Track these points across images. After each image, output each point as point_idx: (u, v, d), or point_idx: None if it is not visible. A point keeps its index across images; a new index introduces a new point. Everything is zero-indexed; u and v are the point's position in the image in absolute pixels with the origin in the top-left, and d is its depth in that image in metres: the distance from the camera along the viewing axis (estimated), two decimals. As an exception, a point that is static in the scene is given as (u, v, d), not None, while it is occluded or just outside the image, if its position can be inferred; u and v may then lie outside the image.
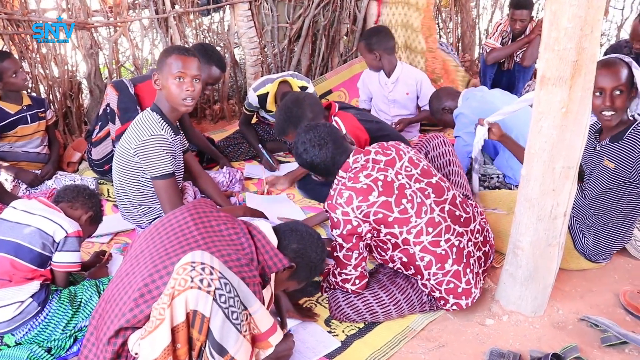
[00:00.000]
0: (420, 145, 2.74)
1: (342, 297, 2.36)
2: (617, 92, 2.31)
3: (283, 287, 2.12)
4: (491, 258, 2.50)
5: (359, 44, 4.23)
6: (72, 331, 2.20)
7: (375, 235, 2.27)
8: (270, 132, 4.13)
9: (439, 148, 2.69)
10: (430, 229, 2.23)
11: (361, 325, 2.36)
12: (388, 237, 2.25)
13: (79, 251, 2.27)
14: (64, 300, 2.20)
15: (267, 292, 1.91)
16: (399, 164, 2.30)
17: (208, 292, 1.57)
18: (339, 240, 2.25)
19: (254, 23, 4.70)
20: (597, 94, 2.31)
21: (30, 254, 2.12)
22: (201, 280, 1.58)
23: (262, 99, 3.80)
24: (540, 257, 2.23)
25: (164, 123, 2.66)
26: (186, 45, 3.90)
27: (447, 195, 2.33)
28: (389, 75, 4.20)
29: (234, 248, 1.82)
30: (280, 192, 3.57)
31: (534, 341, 2.25)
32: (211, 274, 1.60)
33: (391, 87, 4.21)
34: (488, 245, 2.46)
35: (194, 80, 2.60)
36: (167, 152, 2.61)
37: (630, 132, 2.39)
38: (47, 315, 2.16)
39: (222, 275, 1.62)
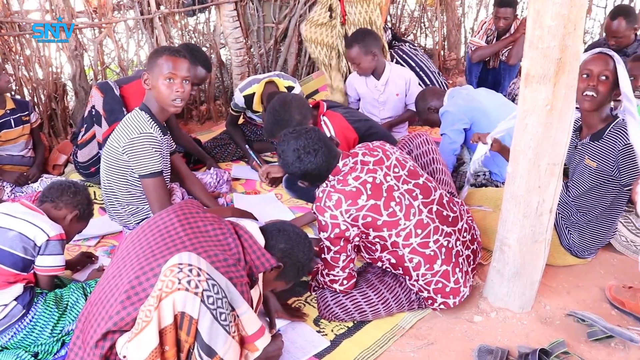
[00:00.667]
0: (402, 143, 2.74)
1: (331, 297, 2.36)
2: (603, 77, 2.36)
3: (271, 287, 2.11)
4: (479, 255, 2.51)
5: (352, 50, 4.02)
6: (59, 335, 2.18)
7: (363, 237, 2.27)
8: (257, 132, 4.12)
9: (422, 146, 2.69)
10: (419, 231, 2.24)
11: (350, 324, 2.36)
12: (377, 239, 2.25)
13: (62, 254, 2.23)
14: (49, 303, 2.18)
15: (255, 292, 1.91)
16: (387, 163, 2.30)
17: (195, 293, 1.57)
18: (327, 243, 2.24)
19: (240, 23, 4.68)
20: (584, 76, 2.37)
21: (11, 258, 2.09)
22: (188, 282, 1.57)
23: (249, 99, 3.79)
24: (527, 253, 2.24)
25: (153, 122, 2.66)
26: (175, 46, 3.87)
27: (435, 195, 2.34)
28: (378, 77, 4.17)
29: (221, 249, 1.82)
30: (272, 189, 3.54)
31: (522, 337, 2.27)
32: (198, 275, 1.59)
33: (382, 88, 4.17)
34: (476, 242, 2.48)
35: (184, 81, 2.61)
36: (156, 151, 2.61)
37: (609, 130, 2.43)
38: (32, 318, 2.13)
39: (210, 276, 1.61)
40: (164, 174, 2.70)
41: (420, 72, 4.62)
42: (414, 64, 4.64)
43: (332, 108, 3.26)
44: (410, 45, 4.91)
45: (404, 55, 4.69)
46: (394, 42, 4.90)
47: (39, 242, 2.15)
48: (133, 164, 2.61)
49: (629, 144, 2.35)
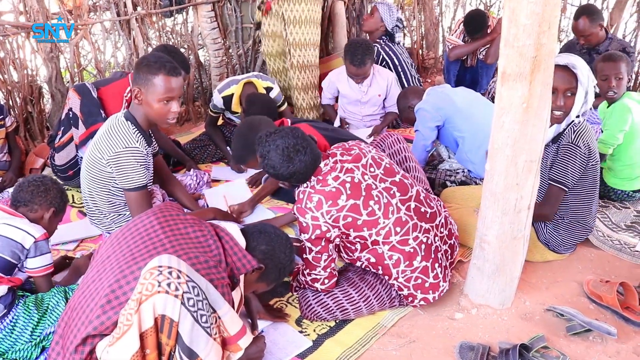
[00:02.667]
0: (375, 144, 2.74)
1: (312, 296, 2.37)
2: (569, 94, 2.41)
3: (253, 289, 2.11)
4: (457, 249, 2.53)
5: (365, 66, 4.00)
6: (39, 339, 2.16)
7: (343, 238, 2.28)
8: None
9: (394, 145, 2.70)
10: (398, 229, 2.25)
11: (332, 323, 2.37)
12: (357, 239, 2.26)
13: (50, 252, 2.26)
14: (29, 305, 2.18)
15: (237, 294, 1.90)
16: (363, 161, 2.30)
17: (176, 296, 1.56)
18: (308, 244, 2.24)
19: (218, 24, 4.67)
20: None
21: None
22: (169, 285, 1.56)
23: (227, 100, 3.78)
24: (506, 250, 2.26)
25: (138, 133, 2.59)
26: (163, 57, 3.55)
27: (412, 192, 2.35)
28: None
29: (202, 250, 1.81)
30: (253, 189, 3.48)
31: (503, 333, 2.29)
32: (178, 277, 1.58)
33: (366, 89, 4.21)
34: (453, 237, 2.50)
35: (179, 99, 2.57)
36: (141, 165, 2.57)
37: (564, 133, 2.49)
38: (11, 319, 2.13)
39: (190, 278, 1.61)
40: (148, 184, 2.66)
41: (401, 73, 4.60)
42: (397, 63, 4.61)
43: (296, 122, 3.23)
44: (399, 46, 4.85)
45: (389, 52, 4.62)
46: (383, 36, 4.81)
47: (27, 245, 2.16)
48: (117, 177, 2.57)
49: (569, 143, 2.46)
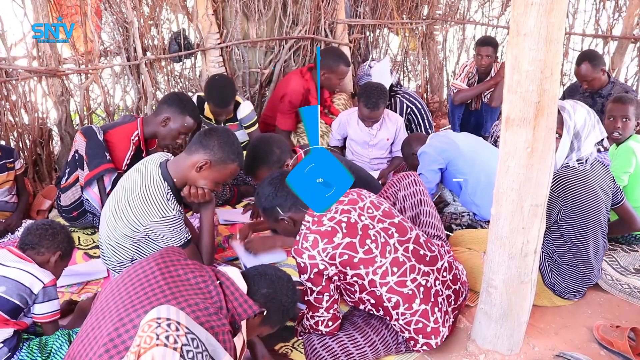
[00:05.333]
0: (390, 184, 2.75)
1: (317, 340, 2.34)
2: (556, 136, 2.50)
3: (256, 333, 2.09)
4: (464, 295, 2.49)
5: (379, 110, 4.03)
6: (43, 383, 2.15)
7: (341, 278, 2.26)
8: (240, 173, 4.13)
9: (410, 187, 2.71)
10: (395, 269, 2.23)
11: (338, 369, 2.33)
12: (355, 279, 2.24)
13: (58, 298, 2.28)
14: (33, 348, 2.18)
15: (239, 340, 1.88)
16: (361, 204, 2.33)
17: (175, 349, 1.54)
18: (309, 284, 2.23)
19: (226, 69, 4.74)
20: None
21: (6, 305, 2.12)
22: (167, 337, 1.54)
23: (200, 102, 3.99)
24: (514, 294, 2.24)
25: (173, 197, 2.53)
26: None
27: (411, 234, 2.34)
28: None
29: (202, 297, 1.80)
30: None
31: (511, 380, 2.25)
32: (177, 329, 1.57)
33: (375, 133, 4.25)
34: (459, 282, 2.46)
35: None
36: (177, 228, 2.53)
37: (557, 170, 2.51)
38: None
39: (189, 330, 1.59)
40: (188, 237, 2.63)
41: (424, 117, 4.66)
42: (420, 107, 4.68)
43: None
44: (412, 91, 4.96)
45: (410, 99, 4.70)
46: (397, 86, 4.88)
47: (36, 290, 2.19)
48: (159, 242, 2.57)
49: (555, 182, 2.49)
